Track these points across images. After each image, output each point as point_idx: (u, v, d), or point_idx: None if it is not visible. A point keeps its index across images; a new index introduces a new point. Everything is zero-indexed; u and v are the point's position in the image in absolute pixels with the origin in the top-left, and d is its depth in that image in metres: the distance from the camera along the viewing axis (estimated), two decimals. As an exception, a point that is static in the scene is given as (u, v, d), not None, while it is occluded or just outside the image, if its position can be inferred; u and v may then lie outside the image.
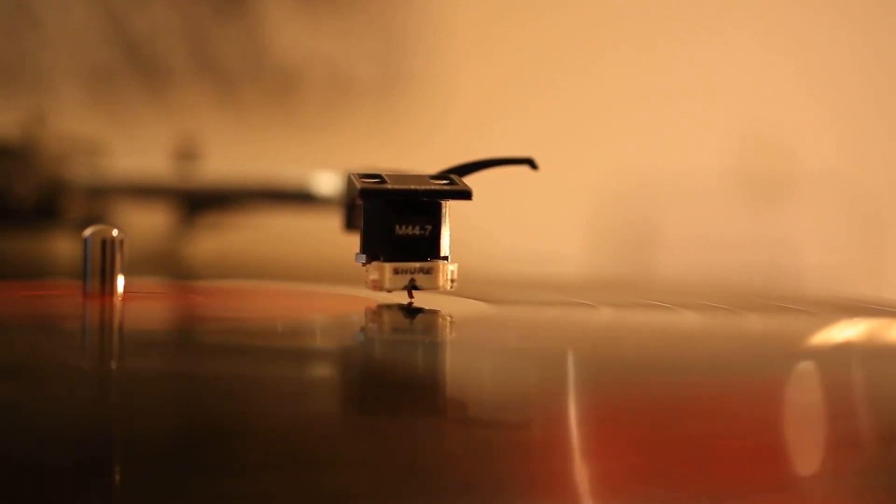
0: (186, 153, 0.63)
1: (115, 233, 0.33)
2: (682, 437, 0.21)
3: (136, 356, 0.28)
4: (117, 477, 0.19)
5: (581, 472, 0.20)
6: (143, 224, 0.62)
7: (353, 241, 0.34)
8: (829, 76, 0.90)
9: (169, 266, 0.57)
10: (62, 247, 0.61)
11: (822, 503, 0.19)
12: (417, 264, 0.33)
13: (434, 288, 0.33)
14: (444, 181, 0.33)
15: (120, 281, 0.33)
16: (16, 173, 0.63)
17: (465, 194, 0.33)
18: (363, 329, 0.34)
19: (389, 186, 0.32)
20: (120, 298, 0.33)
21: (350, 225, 0.41)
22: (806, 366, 0.29)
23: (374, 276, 0.33)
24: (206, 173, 0.63)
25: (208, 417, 0.22)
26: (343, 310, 0.38)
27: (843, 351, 0.32)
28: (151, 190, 0.63)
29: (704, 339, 0.33)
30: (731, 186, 0.87)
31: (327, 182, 0.60)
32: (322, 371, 0.28)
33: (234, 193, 0.62)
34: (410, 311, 0.33)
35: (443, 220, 0.33)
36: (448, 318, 0.34)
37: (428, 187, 0.33)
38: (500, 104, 0.92)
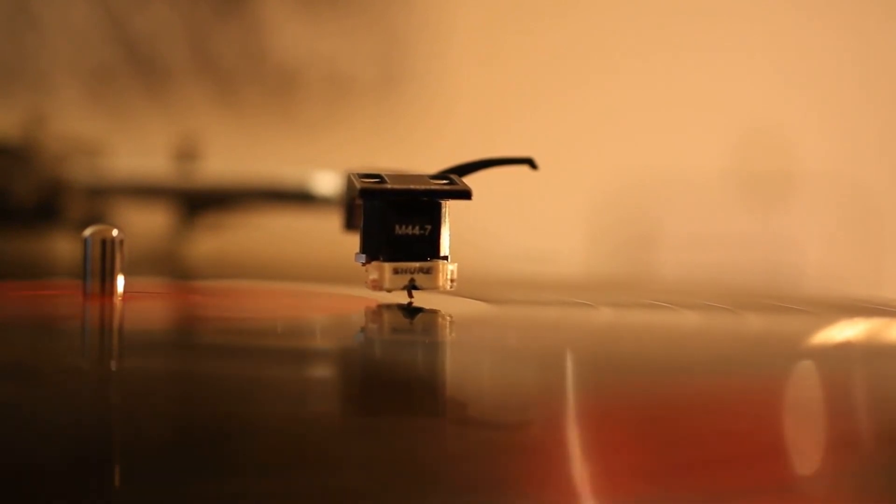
0: (186, 153, 0.63)
1: (115, 233, 0.33)
2: (681, 437, 0.21)
3: (135, 356, 0.28)
4: (117, 477, 0.19)
5: (581, 472, 0.20)
6: (143, 224, 0.62)
7: (353, 241, 0.34)
8: (828, 76, 0.90)
9: (169, 266, 0.57)
10: (62, 247, 0.61)
11: (821, 503, 0.19)
12: (417, 264, 0.33)
13: (434, 288, 0.33)
14: (444, 181, 0.33)
15: (120, 281, 0.33)
16: (16, 173, 0.63)
17: (465, 194, 0.33)
18: (363, 329, 0.34)
19: (389, 186, 0.32)
20: (120, 298, 0.33)
21: (350, 225, 0.41)
22: (806, 366, 0.29)
23: (373, 275, 0.33)
24: (206, 173, 0.63)
25: (208, 417, 0.22)
26: (343, 310, 0.38)
27: (843, 351, 0.32)
28: (151, 190, 0.63)
29: (704, 339, 0.33)
30: (731, 186, 0.87)
31: (327, 182, 0.60)
32: (322, 371, 0.28)
33: (234, 193, 0.62)
34: (410, 311, 0.33)
35: (442, 219, 0.33)
36: (448, 318, 0.34)
37: (428, 187, 0.33)
38: (500, 104, 0.92)
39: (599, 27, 0.92)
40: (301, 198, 0.61)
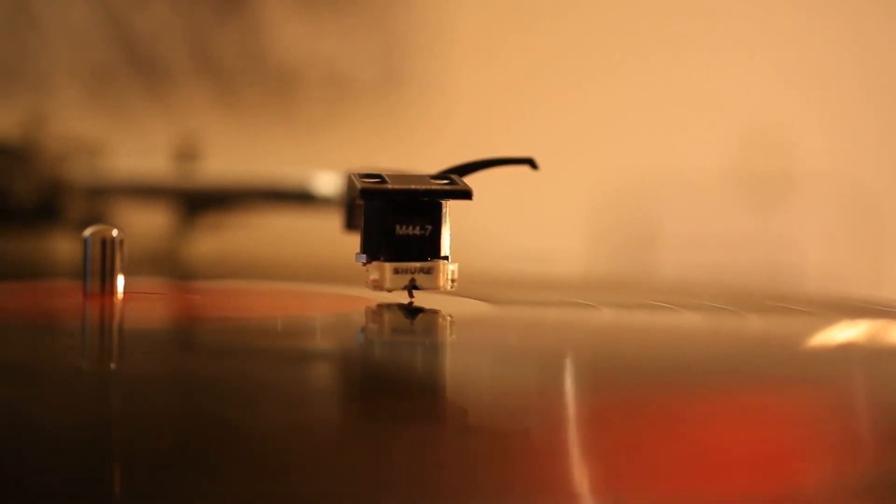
0: (186, 153, 0.63)
1: (115, 233, 0.33)
2: (682, 438, 0.21)
3: (135, 356, 0.28)
4: (116, 477, 0.19)
5: (581, 474, 0.20)
6: (143, 224, 0.62)
7: (353, 241, 0.34)
8: (828, 76, 0.90)
9: (169, 266, 0.57)
10: (62, 247, 0.61)
11: None
12: (418, 264, 0.33)
13: (434, 288, 0.33)
14: (445, 181, 0.33)
15: (120, 281, 0.33)
16: (16, 173, 0.63)
17: (466, 194, 0.33)
18: (363, 329, 0.34)
19: (390, 186, 0.32)
20: (120, 298, 0.33)
21: (350, 225, 0.41)
22: (806, 366, 0.29)
23: (374, 275, 0.33)
24: (206, 173, 0.63)
25: (207, 418, 0.22)
26: (343, 310, 0.38)
27: (844, 351, 0.32)
28: (151, 190, 0.63)
29: (705, 340, 0.33)
30: (731, 186, 0.87)
31: (327, 182, 0.60)
32: (322, 372, 0.28)
33: (234, 193, 0.62)
34: (410, 311, 0.33)
35: (443, 219, 0.33)
36: (448, 319, 0.34)
37: (428, 187, 0.33)
38: (500, 104, 0.92)
39: (599, 27, 0.92)
40: (301, 198, 0.61)
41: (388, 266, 0.32)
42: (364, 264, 0.33)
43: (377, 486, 0.18)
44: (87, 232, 0.33)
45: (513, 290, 0.46)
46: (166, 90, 0.95)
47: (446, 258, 0.33)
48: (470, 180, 0.33)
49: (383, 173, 0.33)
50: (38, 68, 0.96)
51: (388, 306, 0.34)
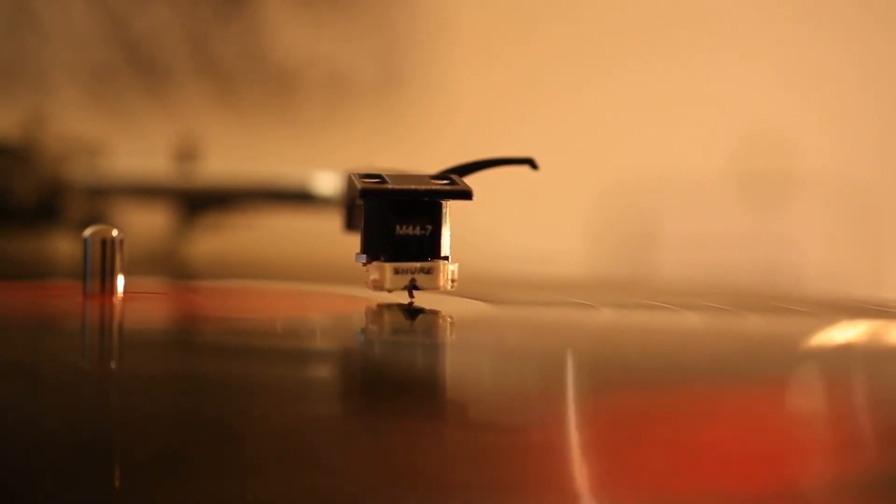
0: (186, 153, 0.63)
1: (115, 233, 0.33)
2: (681, 439, 0.21)
3: (135, 356, 0.28)
4: (116, 477, 0.19)
5: (581, 474, 0.20)
6: (143, 224, 0.62)
7: (354, 241, 0.34)
8: (828, 77, 0.90)
9: (169, 266, 0.57)
10: (62, 247, 0.61)
11: (822, 504, 0.19)
12: (418, 264, 0.33)
13: (434, 288, 0.33)
14: (445, 181, 0.33)
15: (120, 281, 0.33)
16: (16, 173, 0.63)
17: (466, 194, 0.33)
18: (363, 330, 0.34)
19: (390, 186, 0.32)
20: (120, 298, 0.33)
21: (350, 225, 0.41)
22: (806, 366, 0.29)
23: (374, 276, 0.33)
24: (206, 173, 0.63)
25: (207, 419, 0.22)
26: (343, 310, 0.38)
27: (844, 351, 0.32)
28: (151, 190, 0.63)
29: (705, 340, 0.33)
30: (731, 186, 0.87)
31: (327, 182, 0.60)
32: (322, 372, 0.28)
33: (234, 193, 0.62)
34: (411, 312, 0.33)
35: (443, 219, 0.33)
36: (448, 319, 0.34)
37: (428, 187, 0.33)
38: (500, 105, 0.92)
39: (600, 28, 0.92)
40: (301, 198, 0.61)
41: (389, 266, 0.32)
42: (364, 264, 0.33)
43: (377, 486, 0.18)
44: (87, 232, 0.33)
45: (513, 290, 0.46)
46: (166, 90, 0.95)
47: (446, 258, 0.33)
48: (470, 180, 0.33)
49: (383, 173, 0.33)
50: (38, 68, 0.96)
51: (389, 307, 0.34)
